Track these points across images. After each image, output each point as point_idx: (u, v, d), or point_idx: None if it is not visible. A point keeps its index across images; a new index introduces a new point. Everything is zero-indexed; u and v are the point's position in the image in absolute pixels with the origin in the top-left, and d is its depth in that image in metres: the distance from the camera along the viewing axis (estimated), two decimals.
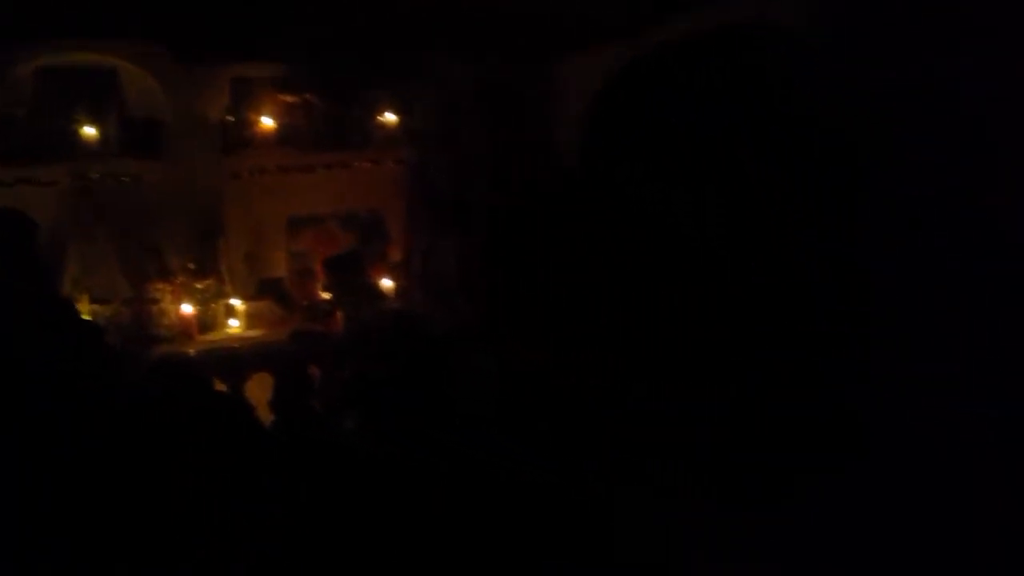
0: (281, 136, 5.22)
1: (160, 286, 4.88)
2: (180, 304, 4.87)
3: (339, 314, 4.96)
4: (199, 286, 4.96)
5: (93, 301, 4.71)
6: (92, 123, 4.86)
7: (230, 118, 5.20)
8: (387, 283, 5.29)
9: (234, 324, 5.01)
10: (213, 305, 5.00)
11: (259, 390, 3.93)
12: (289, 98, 5.22)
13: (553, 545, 1.78)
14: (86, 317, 4.46)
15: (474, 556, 2.45)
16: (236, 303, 5.05)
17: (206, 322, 4.96)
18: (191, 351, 4.68)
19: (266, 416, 3.54)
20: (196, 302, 4.92)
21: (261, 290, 5.24)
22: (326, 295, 5.15)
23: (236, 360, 4.52)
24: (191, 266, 4.98)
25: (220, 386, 4.00)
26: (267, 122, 5.19)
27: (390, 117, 5.40)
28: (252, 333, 4.98)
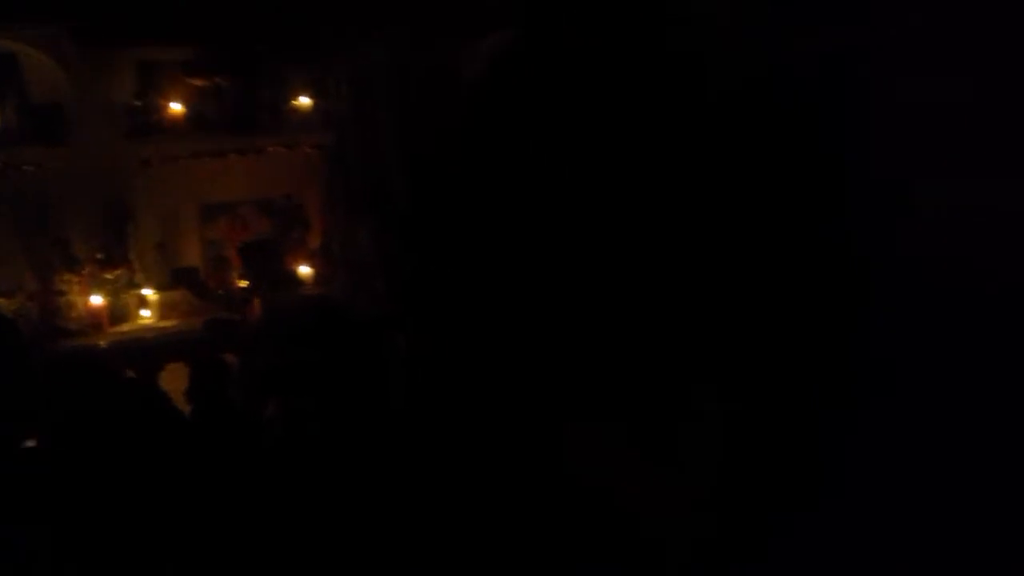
0: (191, 121, 5.10)
1: (67, 277, 4.74)
2: (89, 295, 4.74)
3: (256, 302, 4.89)
4: (108, 276, 4.83)
5: None
6: None
7: (137, 103, 5.05)
8: (305, 269, 5.22)
9: (146, 315, 4.89)
10: (124, 296, 4.87)
11: (175, 381, 3.86)
12: (198, 82, 5.09)
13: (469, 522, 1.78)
14: None
15: (398, 538, 2.44)
16: (148, 293, 4.93)
17: (117, 313, 4.83)
18: (102, 343, 4.56)
19: (183, 406, 3.46)
20: (106, 293, 4.79)
21: (174, 279, 5.12)
22: (243, 283, 5.06)
23: (149, 351, 4.43)
24: (99, 256, 4.84)
25: (133, 377, 3.90)
26: (175, 107, 5.06)
27: (304, 101, 5.32)
28: (166, 323, 4.87)
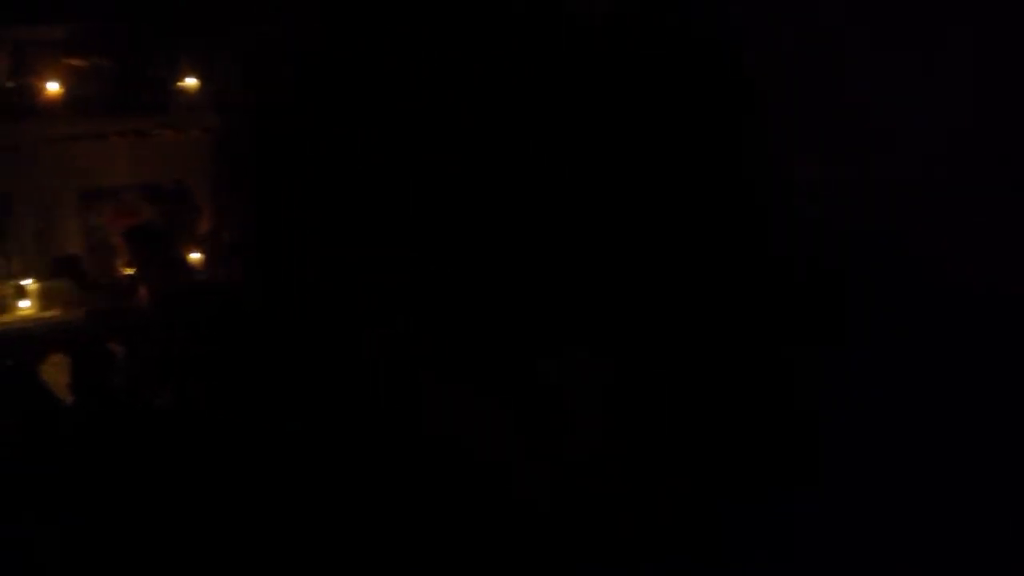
0: (69, 102, 4.89)
1: None
2: None
3: (143, 289, 4.73)
4: None
5: None
6: None
7: (10, 84, 4.83)
8: (195, 256, 5.08)
9: (25, 305, 4.69)
10: (0, 286, 4.67)
11: (57, 373, 3.72)
12: (76, 61, 4.89)
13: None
14: None
15: (300, 525, 2.40)
16: (27, 283, 4.73)
17: None
18: None
19: (65, 398, 3.34)
20: None
21: (55, 268, 4.92)
22: (128, 270, 4.90)
23: (29, 342, 4.26)
24: None
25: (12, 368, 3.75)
26: (53, 87, 4.85)
27: (190, 81, 5.15)
28: (47, 314, 4.69)
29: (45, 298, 4.76)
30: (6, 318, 4.62)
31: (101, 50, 4.93)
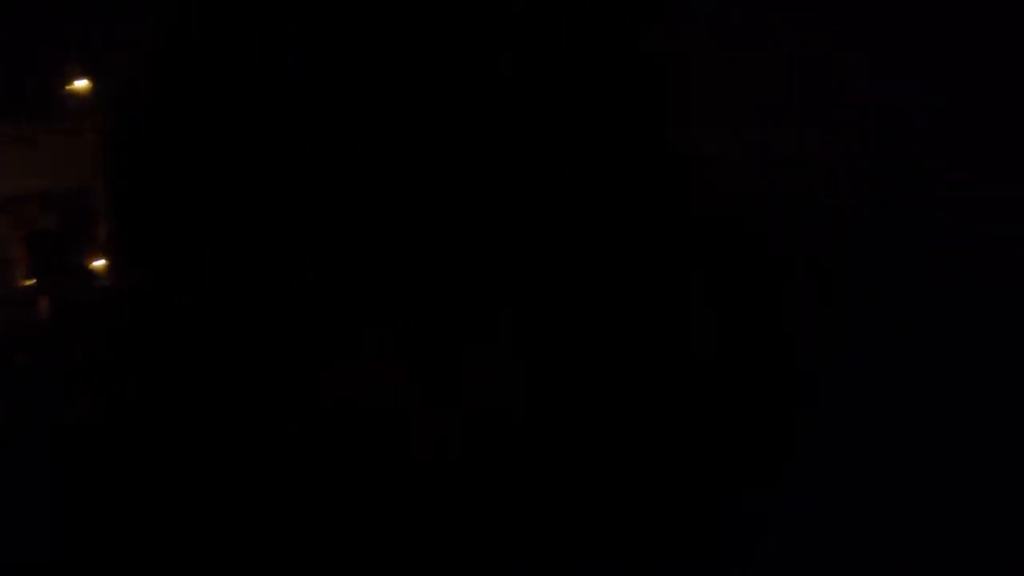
0: None
1: None
2: None
3: (45, 299, 4.62)
4: None
5: None
6: None
7: None
8: (98, 263, 4.97)
9: None
10: None
11: None
12: None
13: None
14: None
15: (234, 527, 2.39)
16: None
17: None
18: None
19: None
20: None
21: None
22: (28, 282, 4.77)
23: None
24: None
25: None
26: None
27: (81, 83, 5.02)
28: None
29: None
30: None
31: None
